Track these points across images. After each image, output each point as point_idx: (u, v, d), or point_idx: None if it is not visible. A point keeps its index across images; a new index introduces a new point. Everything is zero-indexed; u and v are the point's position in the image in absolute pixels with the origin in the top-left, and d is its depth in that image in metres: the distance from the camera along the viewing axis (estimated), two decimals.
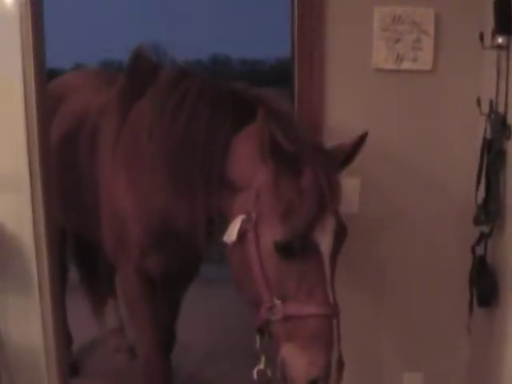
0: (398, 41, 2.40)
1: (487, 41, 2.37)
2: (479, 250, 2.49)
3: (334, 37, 2.44)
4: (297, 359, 1.85)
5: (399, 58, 2.41)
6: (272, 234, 1.88)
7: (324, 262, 1.88)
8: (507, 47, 2.29)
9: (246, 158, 2.01)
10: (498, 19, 2.26)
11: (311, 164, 1.90)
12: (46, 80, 2.62)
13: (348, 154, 2.01)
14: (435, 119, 2.53)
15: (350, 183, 2.39)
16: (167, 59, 2.64)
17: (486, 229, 2.44)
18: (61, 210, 3.04)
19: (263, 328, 1.97)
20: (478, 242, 2.48)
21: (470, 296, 2.53)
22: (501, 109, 2.33)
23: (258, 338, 2.02)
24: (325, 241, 1.88)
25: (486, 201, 2.39)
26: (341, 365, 1.86)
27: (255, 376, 2.03)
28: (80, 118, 3.05)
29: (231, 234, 1.97)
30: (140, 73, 2.65)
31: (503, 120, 2.31)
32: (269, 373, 2.02)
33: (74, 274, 4.07)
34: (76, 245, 4.04)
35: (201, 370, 3.98)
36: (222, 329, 4.59)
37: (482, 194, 2.42)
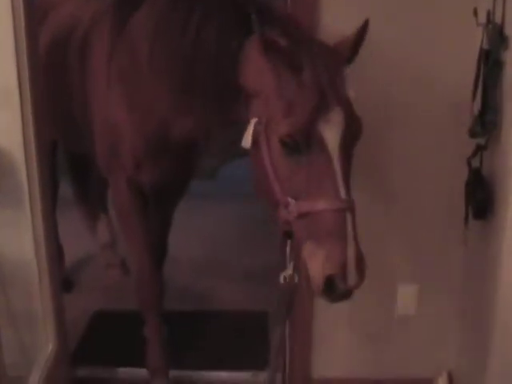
0: None
1: None
2: (475, 163, 2.49)
3: None
4: (313, 257, 1.83)
5: None
6: (277, 131, 1.87)
7: (332, 157, 1.85)
8: None
9: (256, 64, 2.00)
10: None
11: (311, 59, 1.88)
12: None
13: (352, 46, 1.98)
14: (432, 28, 2.50)
15: None
16: None
17: (481, 141, 2.44)
18: (51, 123, 3.01)
19: (288, 231, 1.99)
20: (474, 154, 2.48)
21: (465, 208, 2.55)
22: (498, 19, 2.29)
23: (288, 242, 2.08)
24: (331, 134, 1.85)
25: (482, 112, 2.36)
26: (360, 262, 1.82)
27: (282, 280, 2.06)
28: (69, 28, 2.97)
29: (246, 139, 1.98)
30: None
31: (500, 30, 2.28)
32: (296, 278, 2.05)
33: (67, 190, 4.11)
34: (69, 159, 4.04)
35: (192, 283, 4.09)
36: (213, 244, 4.67)
37: (478, 105, 2.39)
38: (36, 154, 2.50)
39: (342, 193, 1.84)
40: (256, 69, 2.01)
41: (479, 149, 2.46)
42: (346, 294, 1.85)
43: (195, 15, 2.15)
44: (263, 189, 1.99)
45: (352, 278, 1.79)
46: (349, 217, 1.83)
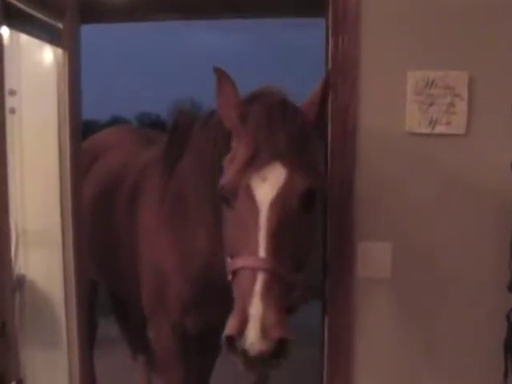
0: (431, 104, 2.38)
1: None
2: None
3: (366, 100, 2.43)
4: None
5: (433, 122, 2.39)
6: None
7: (260, 212, 1.74)
8: None
9: None
10: None
11: (255, 114, 1.86)
12: (80, 135, 2.66)
13: (317, 108, 1.96)
14: (469, 183, 2.50)
15: (381, 247, 2.37)
16: (202, 111, 2.66)
17: None
18: (94, 264, 3.06)
19: None
20: None
21: (504, 364, 2.47)
22: None
23: None
24: (262, 190, 1.76)
25: None
26: (270, 327, 1.62)
27: None
28: (117, 177, 3.09)
29: None
30: (182, 129, 2.66)
31: None
32: None
33: (103, 330, 4.10)
34: (112, 298, 4.08)
35: None
36: None
37: None
38: (75, 294, 2.53)
39: (262, 251, 1.71)
40: None
41: None
42: (257, 359, 1.63)
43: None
44: None
45: (252, 338, 1.61)
46: (261, 277, 1.68)
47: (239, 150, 1.83)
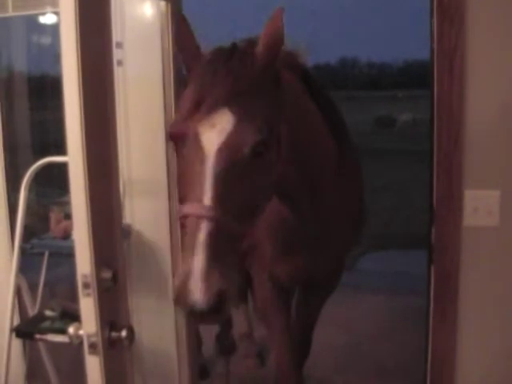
0: None
1: None
2: None
3: (474, 42, 2.35)
4: None
5: None
6: None
7: (207, 159, 1.67)
8: None
9: None
10: None
11: (207, 62, 1.78)
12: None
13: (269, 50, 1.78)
14: None
15: (490, 195, 2.30)
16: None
17: None
18: None
19: None
20: None
21: None
22: None
23: None
24: (209, 136, 1.69)
25: None
26: (208, 280, 1.53)
27: None
28: None
29: None
30: None
31: None
32: None
33: None
34: None
35: (330, 379, 3.98)
36: (353, 338, 4.57)
37: None
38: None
39: (206, 199, 1.64)
40: None
41: None
42: (199, 313, 1.55)
43: None
44: None
45: (194, 291, 1.52)
46: (205, 225, 1.61)
47: (187, 96, 1.76)
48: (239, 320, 4.11)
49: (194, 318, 1.62)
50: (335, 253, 2.69)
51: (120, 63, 2.47)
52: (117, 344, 1.62)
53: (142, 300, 2.66)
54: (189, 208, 1.65)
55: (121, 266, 1.75)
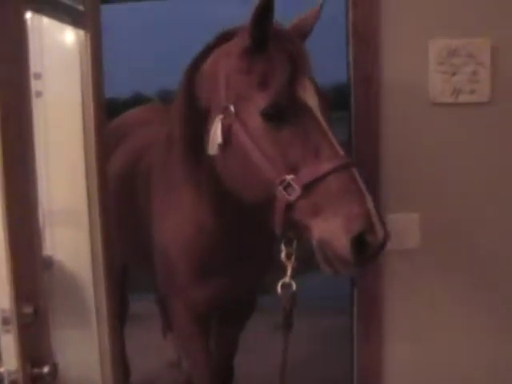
0: (454, 74, 2.37)
1: None
2: None
3: (389, 69, 2.42)
4: (331, 226, 1.67)
5: (456, 91, 2.38)
6: (255, 106, 1.82)
7: (318, 118, 1.78)
8: None
9: (211, 67, 2.14)
10: None
11: (275, 35, 1.88)
12: (105, 114, 2.65)
13: (310, 24, 2.08)
14: (494, 151, 2.49)
15: (409, 218, 2.37)
16: None
17: None
18: (120, 248, 3.05)
19: (286, 227, 1.84)
20: None
21: None
22: None
23: (282, 245, 1.93)
24: (311, 97, 1.81)
25: None
26: (381, 216, 1.69)
27: (279, 290, 1.94)
28: (138, 156, 3.06)
29: (215, 138, 1.89)
30: None
31: None
32: (293, 286, 1.94)
33: (135, 307, 4.12)
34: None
35: None
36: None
37: None
38: (104, 272, 2.52)
39: (340, 150, 1.76)
40: (210, 72, 2.05)
41: None
42: (378, 251, 1.70)
43: None
44: (252, 183, 1.86)
45: (380, 230, 1.65)
46: (355, 172, 1.73)
47: (272, 68, 1.83)
48: (167, 348, 4.08)
49: (371, 258, 1.72)
50: (261, 272, 2.70)
51: (39, 94, 2.44)
52: (39, 381, 1.59)
53: (65, 332, 2.60)
54: (330, 164, 1.72)
55: (42, 299, 1.72)
